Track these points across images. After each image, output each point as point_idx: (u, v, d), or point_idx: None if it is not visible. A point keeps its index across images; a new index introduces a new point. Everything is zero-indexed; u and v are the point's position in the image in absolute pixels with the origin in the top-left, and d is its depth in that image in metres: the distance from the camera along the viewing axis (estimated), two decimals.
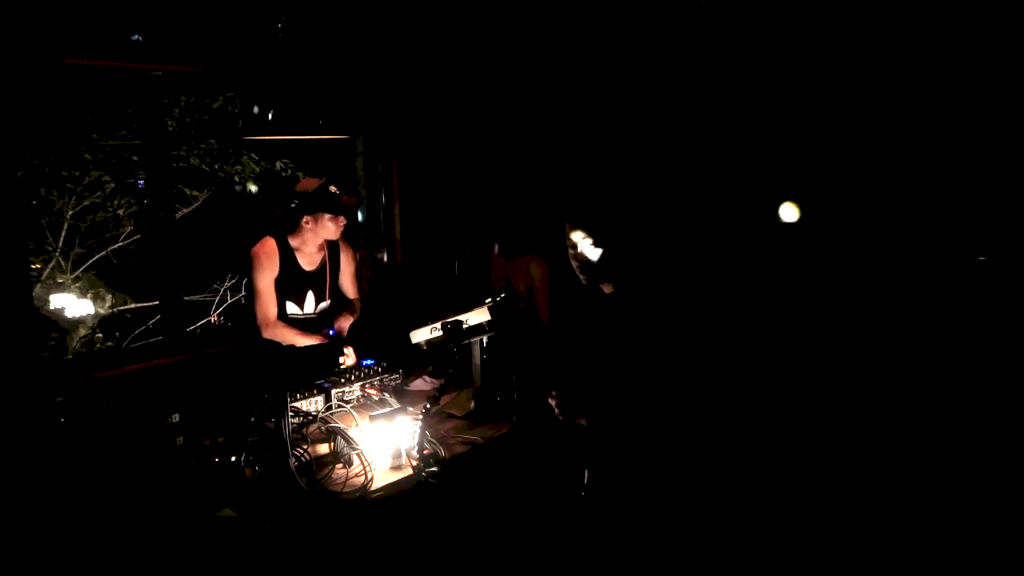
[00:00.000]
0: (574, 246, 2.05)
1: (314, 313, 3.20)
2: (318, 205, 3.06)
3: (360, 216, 4.22)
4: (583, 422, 2.04)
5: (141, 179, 5.17)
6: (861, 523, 2.46)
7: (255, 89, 3.17)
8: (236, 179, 5.73)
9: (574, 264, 2.08)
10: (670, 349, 1.89)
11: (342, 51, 3.64)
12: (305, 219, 3.07)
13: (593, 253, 1.98)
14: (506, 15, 3.54)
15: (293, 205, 3.08)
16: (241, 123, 5.40)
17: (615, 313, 2.01)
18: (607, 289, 2.05)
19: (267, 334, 3.05)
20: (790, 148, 2.86)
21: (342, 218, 3.11)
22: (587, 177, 3.37)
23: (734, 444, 1.95)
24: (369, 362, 2.99)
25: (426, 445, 2.39)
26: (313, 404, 2.71)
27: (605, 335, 2.05)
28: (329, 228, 3.09)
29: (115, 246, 5.58)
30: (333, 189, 3.09)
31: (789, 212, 2.57)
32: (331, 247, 3.26)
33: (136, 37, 3.15)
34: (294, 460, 2.21)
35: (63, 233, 5.30)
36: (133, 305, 5.61)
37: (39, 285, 5.14)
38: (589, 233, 1.98)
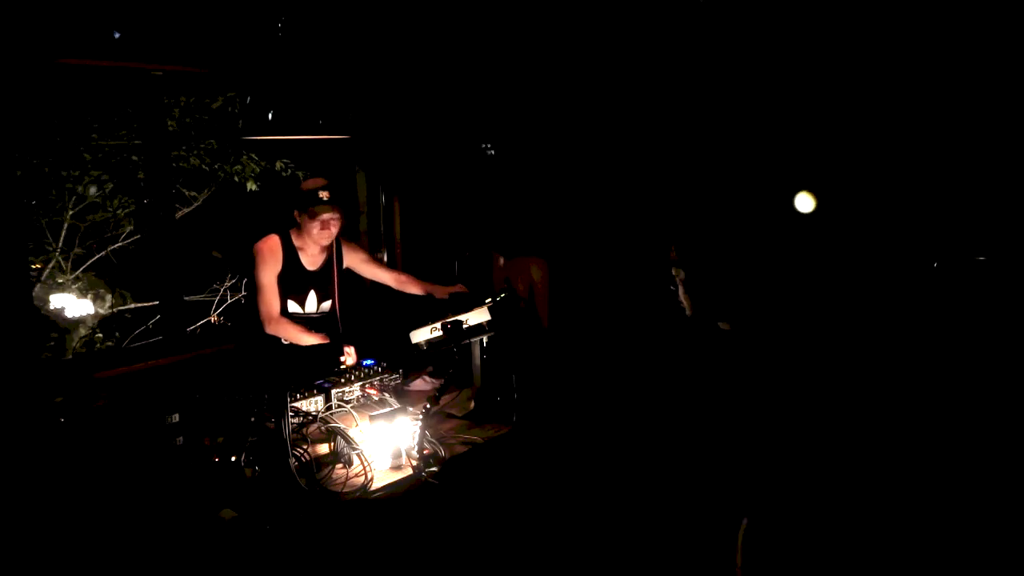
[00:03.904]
0: (682, 278, 1.82)
1: (316, 312, 3.21)
2: (302, 204, 3.07)
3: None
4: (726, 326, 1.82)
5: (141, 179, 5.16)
6: (860, 523, 2.45)
7: (255, 89, 3.16)
8: (236, 179, 5.72)
9: (682, 296, 1.86)
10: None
11: (342, 51, 3.64)
12: (301, 217, 3.10)
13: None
14: (508, 15, 3.54)
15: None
16: (241, 123, 5.39)
17: (738, 353, 1.80)
18: (724, 326, 1.84)
19: (270, 330, 3.06)
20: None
21: (325, 223, 3.06)
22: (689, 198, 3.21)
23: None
24: (369, 362, 2.99)
25: (426, 445, 2.39)
26: (313, 404, 2.71)
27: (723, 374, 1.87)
28: (310, 229, 3.07)
29: (115, 246, 5.58)
30: (323, 195, 3.05)
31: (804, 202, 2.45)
32: (336, 249, 3.27)
33: (136, 37, 3.15)
34: (294, 460, 2.22)
35: (63, 233, 5.30)
36: (133, 305, 5.61)
37: (39, 285, 5.14)
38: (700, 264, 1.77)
